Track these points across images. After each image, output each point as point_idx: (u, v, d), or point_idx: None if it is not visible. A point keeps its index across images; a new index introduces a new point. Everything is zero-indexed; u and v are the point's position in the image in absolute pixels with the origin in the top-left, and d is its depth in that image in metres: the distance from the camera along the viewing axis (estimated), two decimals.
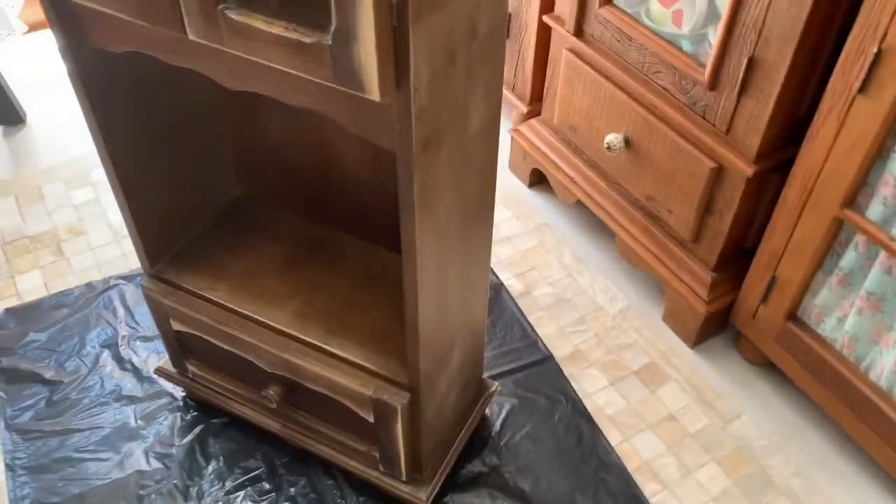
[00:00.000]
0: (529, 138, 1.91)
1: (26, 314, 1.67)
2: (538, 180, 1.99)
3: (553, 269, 1.79)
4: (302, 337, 1.20)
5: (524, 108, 1.96)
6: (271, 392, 1.26)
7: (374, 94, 0.75)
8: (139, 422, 1.49)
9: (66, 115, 2.20)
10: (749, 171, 1.35)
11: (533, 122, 1.92)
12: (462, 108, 0.91)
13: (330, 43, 0.73)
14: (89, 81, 1.03)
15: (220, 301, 1.25)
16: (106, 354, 1.59)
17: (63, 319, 1.66)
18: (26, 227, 1.88)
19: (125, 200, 1.18)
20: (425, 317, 1.03)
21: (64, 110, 2.18)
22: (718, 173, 1.42)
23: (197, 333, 1.29)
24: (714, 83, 1.36)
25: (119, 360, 1.58)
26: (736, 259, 1.55)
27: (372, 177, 1.25)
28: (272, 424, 1.38)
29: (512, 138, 1.97)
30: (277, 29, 0.76)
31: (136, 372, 1.56)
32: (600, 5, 1.55)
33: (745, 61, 1.28)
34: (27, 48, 2.44)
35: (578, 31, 1.63)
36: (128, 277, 1.75)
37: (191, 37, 0.82)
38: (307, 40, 0.74)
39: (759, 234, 1.48)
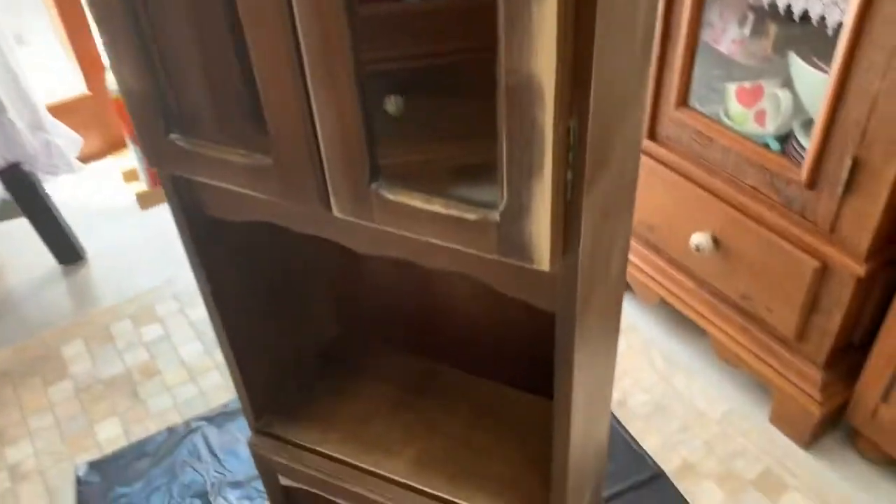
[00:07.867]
0: None
1: (110, 467, 1.61)
2: None
3: (645, 373, 1.74)
4: (425, 489, 1.14)
5: None
6: None
7: (544, 264, 0.71)
8: None
9: (123, 249, 2.20)
10: (860, 270, 1.31)
11: None
12: (607, 257, 0.88)
13: (498, 220, 0.70)
14: (202, 244, 1.01)
15: (332, 453, 1.19)
16: None
17: (148, 470, 1.60)
18: (98, 371, 1.85)
19: (234, 358, 1.14)
20: (572, 469, 0.97)
21: (120, 244, 2.18)
22: (823, 272, 1.38)
23: (308, 489, 1.23)
24: (813, 182, 1.33)
25: None
26: (846, 355, 1.49)
27: (485, 311, 1.21)
28: None
29: None
30: (436, 207, 0.73)
31: None
32: (675, 108, 1.54)
33: (848, 162, 1.25)
34: (76, 182, 2.46)
35: (652, 135, 1.62)
36: (209, 418, 1.70)
37: (336, 214, 0.79)
38: (471, 217, 0.71)
39: (870, 329, 1.42)
